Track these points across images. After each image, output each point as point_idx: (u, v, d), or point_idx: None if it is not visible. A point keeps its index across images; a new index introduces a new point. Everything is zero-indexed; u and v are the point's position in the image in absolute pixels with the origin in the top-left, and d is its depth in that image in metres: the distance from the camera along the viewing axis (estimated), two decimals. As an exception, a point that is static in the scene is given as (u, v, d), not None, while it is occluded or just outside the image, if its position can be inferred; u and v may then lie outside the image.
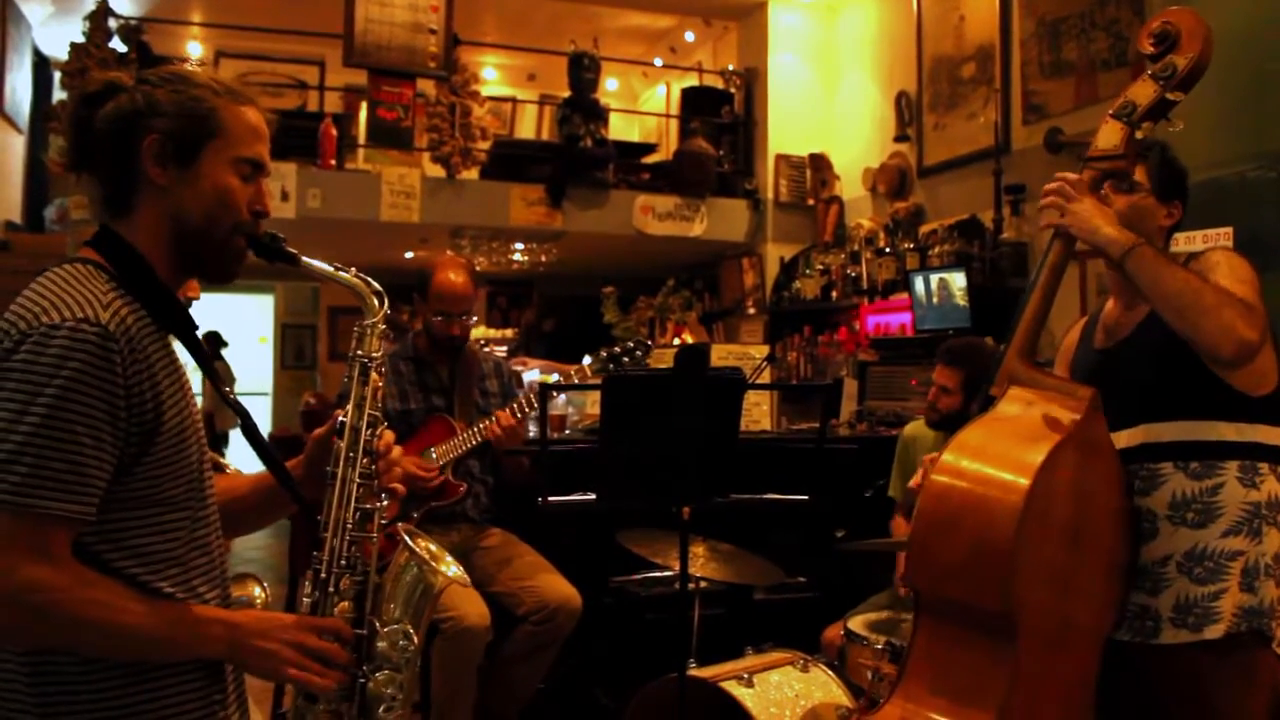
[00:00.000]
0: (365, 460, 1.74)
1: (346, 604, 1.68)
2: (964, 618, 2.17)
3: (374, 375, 1.77)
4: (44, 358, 1.42)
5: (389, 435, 1.81)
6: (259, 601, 2.78)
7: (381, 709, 1.67)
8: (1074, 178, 2.29)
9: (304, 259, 1.74)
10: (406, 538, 1.81)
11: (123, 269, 1.58)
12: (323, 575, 1.69)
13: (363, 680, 1.68)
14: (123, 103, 1.59)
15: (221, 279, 1.70)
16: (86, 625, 1.44)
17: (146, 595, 1.51)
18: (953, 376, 3.86)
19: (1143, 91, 2.28)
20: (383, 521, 1.76)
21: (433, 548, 1.85)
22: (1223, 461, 2.26)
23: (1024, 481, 2.06)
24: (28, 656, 1.48)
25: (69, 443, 1.41)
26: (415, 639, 1.73)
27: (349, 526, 1.71)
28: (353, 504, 1.71)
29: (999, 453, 2.18)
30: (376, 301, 1.80)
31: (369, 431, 1.75)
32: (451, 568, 1.85)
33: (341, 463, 1.73)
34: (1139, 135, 2.28)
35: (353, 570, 1.70)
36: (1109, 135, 2.30)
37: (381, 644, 1.70)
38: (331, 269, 1.77)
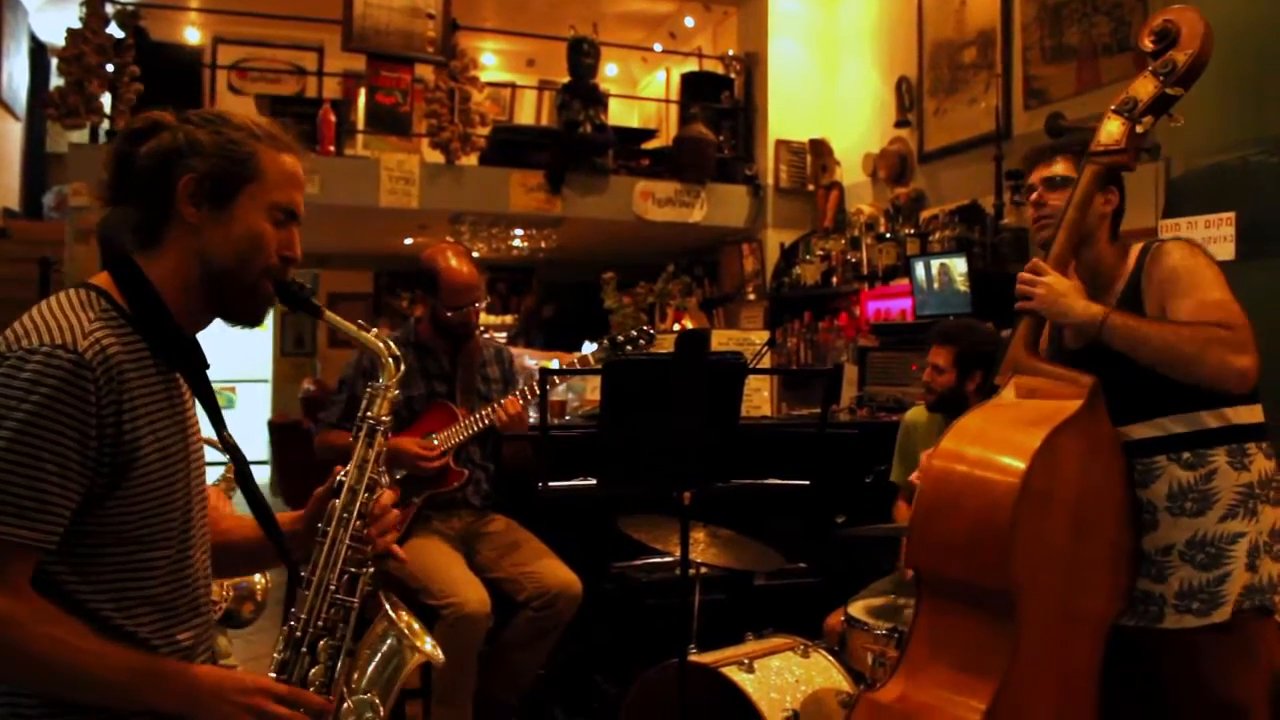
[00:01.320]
0: (359, 523, 1.70)
1: (319, 668, 1.64)
2: (965, 596, 2.20)
3: (379, 439, 1.74)
4: (15, 382, 1.41)
5: (388, 496, 1.78)
6: (259, 586, 2.78)
7: None
8: (1037, 264, 2.39)
9: (327, 313, 1.75)
10: (388, 606, 1.77)
11: (133, 301, 1.57)
12: (298, 634, 1.64)
13: None
14: (164, 140, 1.59)
15: (248, 322, 1.70)
16: (39, 662, 1.41)
17: (109, 638, 1.48)
18: (945, 354, 3.87)
19: (1144, 87, 2.35)
20: (369, 580, 1.72)
21: (415, 625, 1.80)
22: (1211, 449, 2.31)
23: (1021, 464, 2.10)
24: (3, 695, 1.46)
25: (32, 468, 1.39)
26: (381, 712, 1.70)
27: (332, 589, 1.66)
28: (339, 566, 1.67)
29: (999, 437, 2.22)
30: (393, 365, 1.78)
31: (366, 495, 1.72)
32: (429, 644, 1.79)
33: (334, 522, 1.69)
34: (1140, 130, 2.35)
35: (330, 634, 1.66)
36: (1111, 130, 2.37)
37: (348, 716, 1.66)
38: (355, 327, 1.77)
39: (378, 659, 1.73)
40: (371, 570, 1.72)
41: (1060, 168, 2.54)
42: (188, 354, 1.63)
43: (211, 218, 1.59)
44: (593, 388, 5.25)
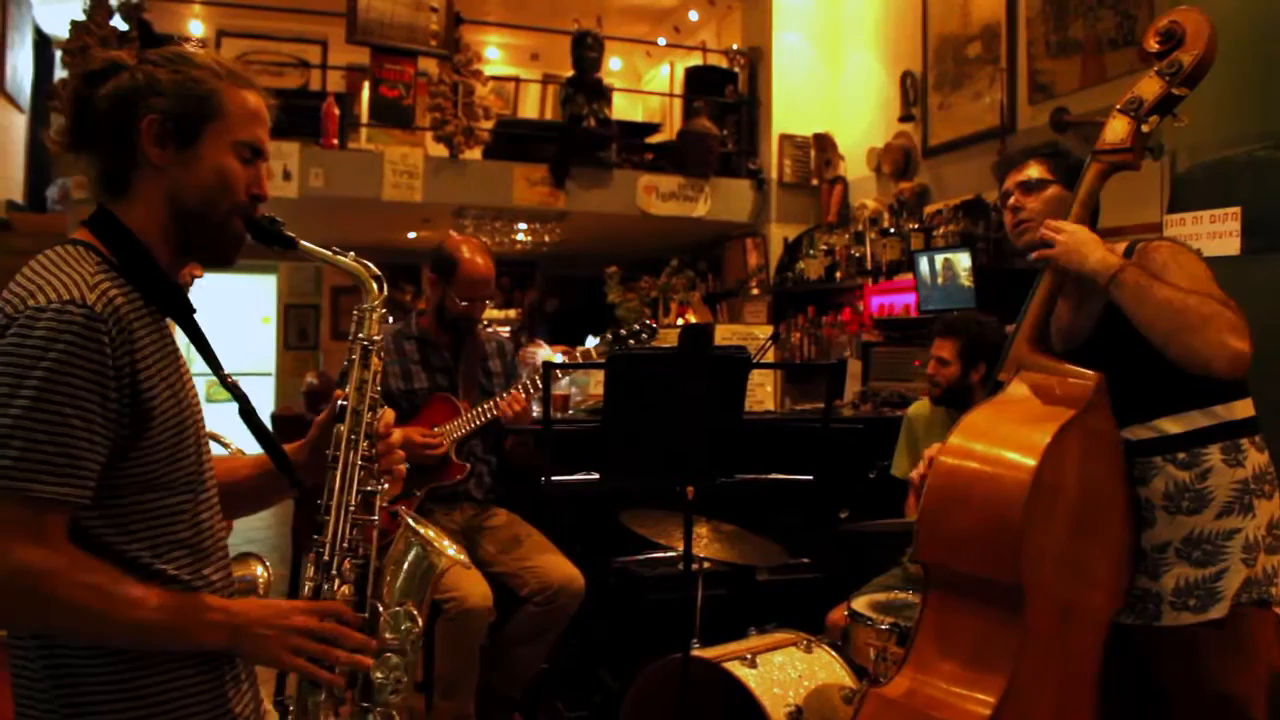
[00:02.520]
0: (366, 444, 1.72)
1: (348, 588, 1.67)
2: (973, 591, 2.20)
3: (374, 359, 1.76)
4: (30, 341, 1.41)
5: (389, 415, 1.80)
6: (261, 580, 2.79)
7: (386, 692, 1.66)
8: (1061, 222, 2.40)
9: (302, 243, 1.72)
10: (409, 520, 1.80)
11: (117, 250, 1.56)
12: (325, 558, 1.67)
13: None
14: (123, 81, 1.57)
15: (220, 262, 1.68)
16: (83, 611, 1.42)
17: (150, 582, 1.50)
18: (949, 347, 3.87)
19: (1149, 88, 2.37)
20: (384, 504, 1.74)
21: (432, 532, 1.84)
22: (1205, 447, 2.32)
23: (1033, 460, 2.11)
24: (42, 649, 1.48)
25: (58, 425, 1.39)
26: (419, 620, 1.72)
27: (351, 509, 1.69)
28: (354, 487, 1.70)
29: (1008, 433, 2.23)
30: (376, 285, 1.78)
31: (370, 415, 1.74)
32: (451, 549, 1.84)
33: (343, 446, 1.71)
34: (1145, 129, 2.37)
35: (354, 553, 1.69)
36: (1116, 129, 2.39)
37: (386, 627, 1.68)
38: (330, 253, 1.76)
39: (405, 571, 1.77)
40: (385, 487, 1.75)
41: (1034, 170, 2.55)
42: (177, 299, 1.62)
43: (177, 158, 1.57)
44: (596, 382, 5.24)
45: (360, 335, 1.77)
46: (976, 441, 2.25)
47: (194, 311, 1.66)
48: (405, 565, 1.77)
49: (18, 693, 1.52)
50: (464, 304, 3.70)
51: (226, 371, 1.72)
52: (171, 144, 1.57)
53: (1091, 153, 2.40)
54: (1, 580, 1.38)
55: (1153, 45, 2.37)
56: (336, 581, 1.66)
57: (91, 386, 1.42)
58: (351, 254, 1.79)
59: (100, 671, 1.48)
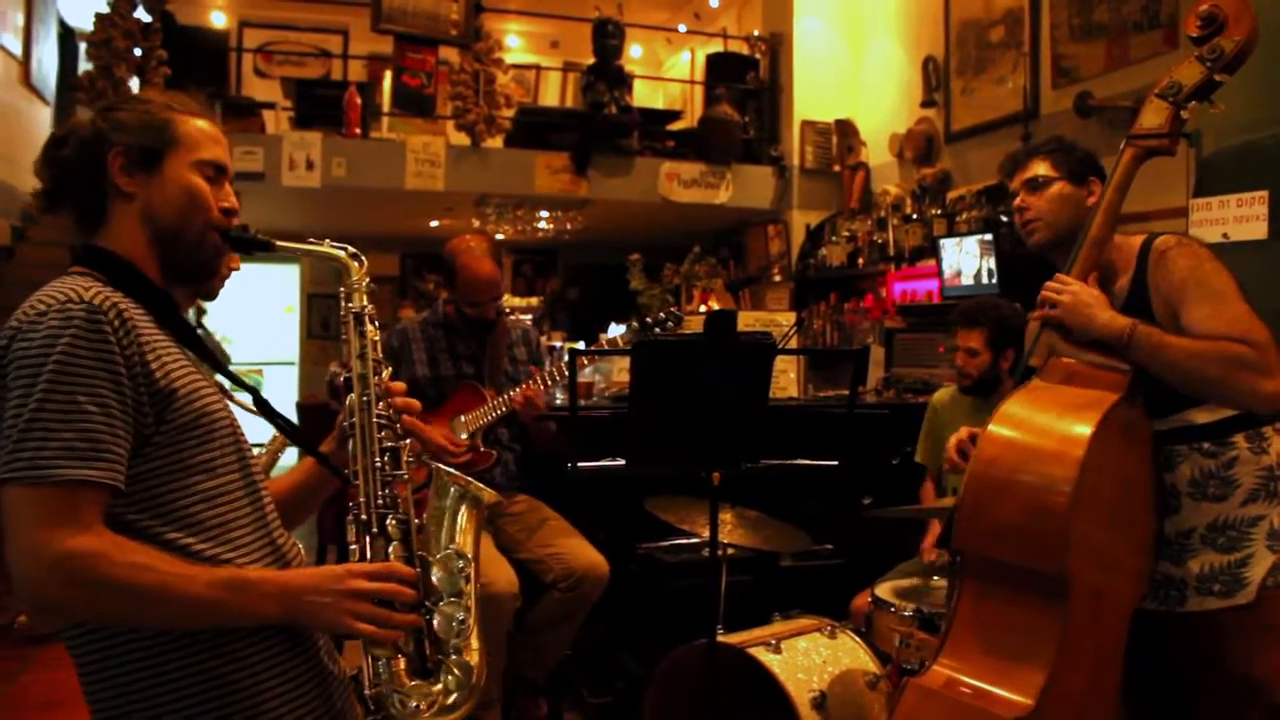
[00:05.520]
0: (380, 405, 1.75)
1: (396, 545, 1.68)
2: (1013, 580, 2.19)
3: (370, 327, 1.79)
4: (36, 341, 1.45)
5: (395, 384, 1.83)
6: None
7: (453, 636, 1.66)
8: (1065, 278, 2.37)
9: (278, 242, 1.79)
10: (439, 466, 1.80)
11: (107, 271, 1.62)
12: (364, 518, 1.69)
13: (427, 616, 1.66)
14: (86, 130, 1.67)
15: (203, 277, 1.75)
16: (132, 590, 1.44)
17: (195, 560, 1.52)
18: (977, 337, 3.85)
19: (1189, 73, 2.33)
20: (409, 460, 1.76)
21: (465, 477, 1.83)
22: (1230, 436, 2.31)
23: (1078, 451, 2.10)
24: (89, 642, 1.51)
25: (74, 411, 1.43)
26: (469, 557, 1.71)
27: (379, 468, 1.72)
28: (377, 447, 1.73)
29: (1049, 423, 2.21)
30: (355, 263, 1.82)
31: (377, 378, 1.77)
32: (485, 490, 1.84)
33: (359, 411, 1.74)
34: (1184, 115, 2.33)
35: (393, 509, 1.70)
36: (1154, 115, 2.35)
37: (437, 574, 1.68)
38: (306, 245, 1.81)
39: (447, 513, 1.75)
40: (408, 442, 1.77)
41: (1037, 168, 2.53)
42: (173, 311, 1.68)
43: (146, 183, 1.66)
44: (620, 369, 5.25)
45: (350, 306, 1.80)
46: (1017, 430, 2.23)
47: (191, 328, 1.71)
48: (446, 508, 1.75)
49: (85, 687, 1.54)
50: (469, 309, 3.72)
51: (236, 366, 1.75)
52: (139, 170, 1.66)
53: (1127, 138, 2.37)
54: (50, 568, 1.41)
55: (1193, 30, 2.33)
56: (381, 542, 1.68)
57: (102, 373, 1.46)
58: (326, 241, 1.84)
59: (161, 656, 1.50)
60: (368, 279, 1.82)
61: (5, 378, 1.46)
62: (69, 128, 1.69)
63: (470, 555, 1.72)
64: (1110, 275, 2.41)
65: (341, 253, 1.82)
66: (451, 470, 1.79)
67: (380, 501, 1.70)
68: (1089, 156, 2.55)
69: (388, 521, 1.69)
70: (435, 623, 1.66)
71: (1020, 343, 3.67)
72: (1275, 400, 2.19)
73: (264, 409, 1.81)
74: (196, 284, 1.76)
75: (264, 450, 2.85)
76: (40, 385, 1.42)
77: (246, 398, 1.83)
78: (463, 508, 1.76)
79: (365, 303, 1.80)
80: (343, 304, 1.81)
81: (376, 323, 1.82)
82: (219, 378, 1.76)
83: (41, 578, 1.41)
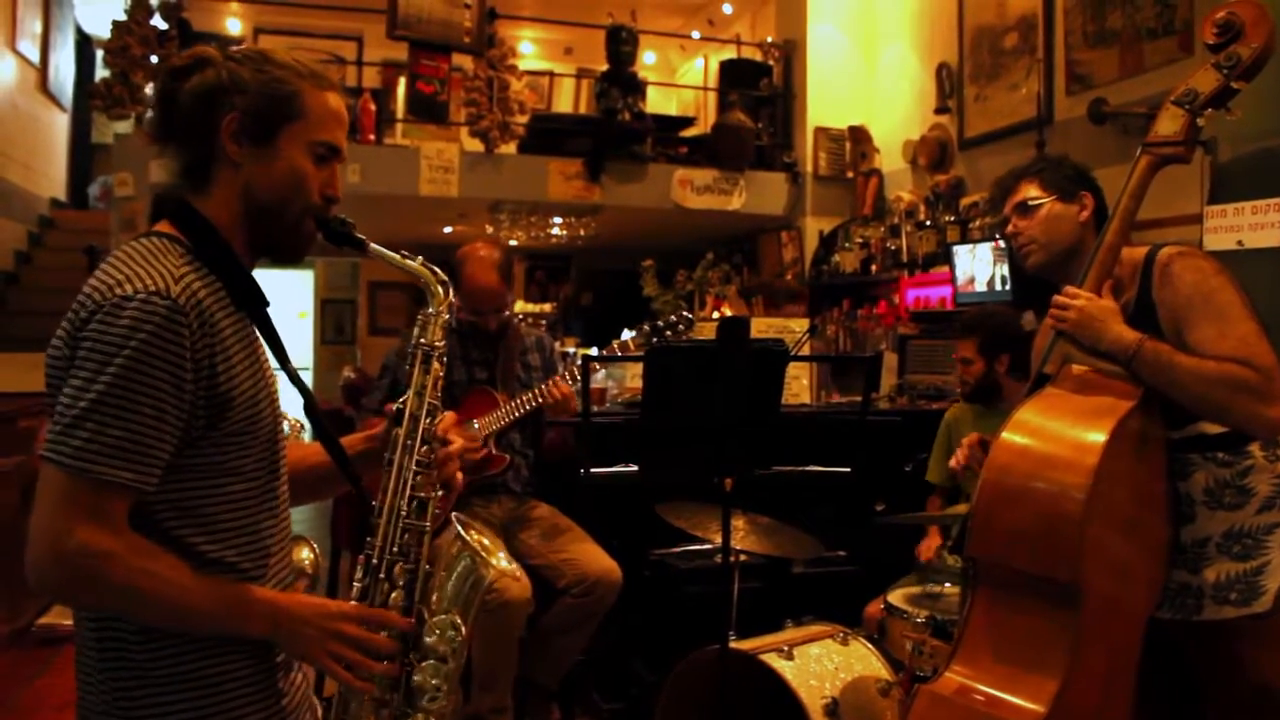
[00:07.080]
0: (424, 449, 1.72)
1: (399, 593, 1.67)
2: (1026, 588, 2.18)
3: (435, 364, 1.75)
4: (114, 329, 1.44)
5: (450, 417, 1.80)
6: (308, 563, 2.82)
7: (426, 699, 1.66)
8: (1074, 290, 2.35)
9: (372, 245, 1.74)
10: (460, 528, 1.79)
11: (199, 243, 1.59)
12: (374, 561, 1.68)
13: (409, 670, 1.67)
14: (208, 77, 1.60)
15: (291, 260, 1.71)
16: (136, 594, 1.46)
17: (204, 569, 1.52)
18: (968, 346, 3.88)
19: (1205, 80, 2.31)
20: (437, 511, 1.74)
21: (486, 541, 1.82)
22: (1246, 445, 2.31)
23: (1092, 459, 2.09)
24: (95, 631, 1.53)
25: (130, 412, 1.43)
26: (463, 630, 1.71)
27: (404, 514, 1.69)
28: (409, 491, 1.70)
29: (1062, 429, 2.21)
30: (441, 291, 1.78)
31: (428, 420, 1.73)
32: (502, 560, 1.82)
33: (399, 450, 1.71)
34: (1200, 123, 2.31)
35: (405, 558, 1.69)
36: (1170, 122, 2.33)
37: (430, 635, 1.68)
38: (399, 256, 1.76)
39: (454, 579, 1.75)
40: (440, 494, 1.75)
41: (1028, 191, 2.51)
42: (254, 292, 1.65)
43: (254, 155, 1.60)
44: (633, 375, 5.26)
45: (423, 340, 1.76)
46: (1031, 437, 2.22)
47: (268, 304, 1.68)
48: (454, 574, 1.75)
49: (79, 676, 1.56)
50: (472, 316, 3.74)
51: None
52: (249, 141, 1.60)
53: (1142, 145, 2.35)
54: (62, 558, 1.42)
55: (1210, 37, 2.32)
56: (386, 586, 1.67)
57: (167, 377, 1.45)
58: (420, 259, 1.79)
59: (151, 655, 1.52)
60: (447, 314, 1.78)
61: (76, 351, 1.46)
62: (192, 61, 1.62)
63: (464, 630, 1.71)
64: (1117, 288, 2.40)
65: (431, 275, 1.78)
66: (468, 536, 1.78)
67: (395, 548, 1.69)
68: (1078, 171, 2.53)
69: (396, 568, 1.68)
70: (415, 679, 1.66)
71: (1015, 346, 3.68)
72: (1272, 429, 2.20)
73: (313, 417, 1.79)
74: (279, 261, 1.73)
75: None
76: (106, 375, 1.42)
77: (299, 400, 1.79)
78: (470, 579, 1.75)
79: (438, 340, 1.77)
80: (415, 332, 1.78)
81: (445, 360, 1.78)
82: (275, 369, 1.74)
83: (51, 562, 1.43)
